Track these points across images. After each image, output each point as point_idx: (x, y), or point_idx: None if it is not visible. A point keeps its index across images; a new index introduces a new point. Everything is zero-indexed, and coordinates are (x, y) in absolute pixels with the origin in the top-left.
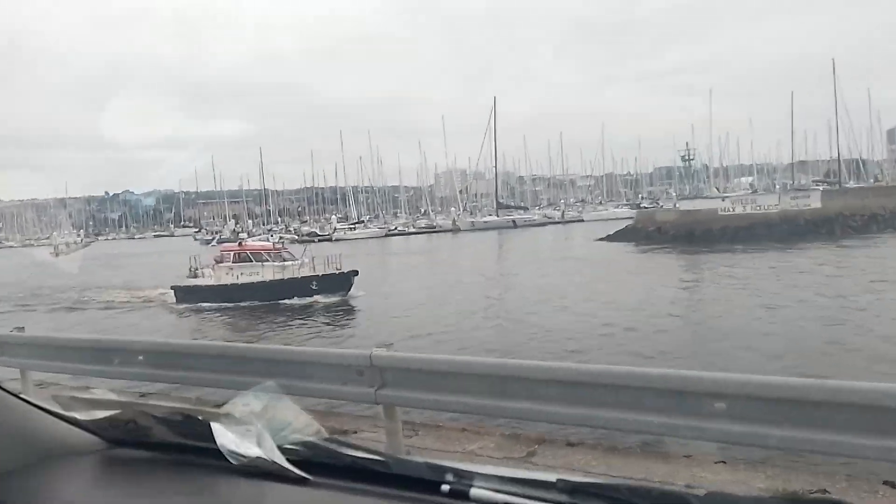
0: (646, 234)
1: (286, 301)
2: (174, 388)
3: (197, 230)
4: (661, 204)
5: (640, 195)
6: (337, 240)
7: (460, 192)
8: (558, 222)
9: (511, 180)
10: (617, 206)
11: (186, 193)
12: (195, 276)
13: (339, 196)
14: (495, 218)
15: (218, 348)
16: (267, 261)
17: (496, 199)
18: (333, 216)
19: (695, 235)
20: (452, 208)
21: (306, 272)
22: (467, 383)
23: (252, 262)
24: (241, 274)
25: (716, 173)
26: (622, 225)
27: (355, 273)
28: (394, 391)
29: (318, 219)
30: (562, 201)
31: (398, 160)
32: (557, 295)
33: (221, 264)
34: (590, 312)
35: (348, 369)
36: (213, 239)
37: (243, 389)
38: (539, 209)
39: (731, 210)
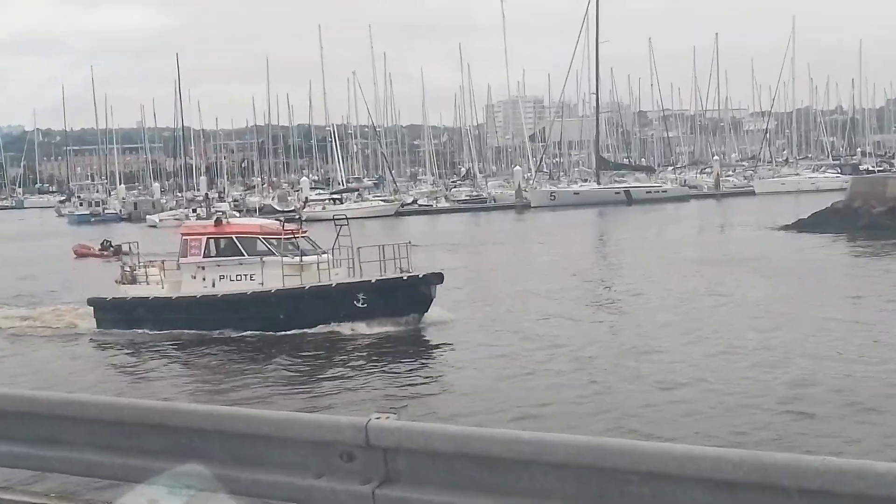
0: (869, 219)
1: (307, 329)
2: (20, 474)
3: (63, 198)
4: None
5: (858, 149)
6: (310, 220)
7: (531, 138)
8: (708, 195)
9: (624, 119)
10: (816, 169)
11: (46, 135)
12: (132, 281)
13: (314, 142)
14: (594, 186)
15: (100, 406)
16: (270, 254)
17: (596, 153)
18: (305, 177)
19: None
20: (517, 168)
21: (343, 276)
22: (544, 479)
23: (242, 255)
24: (221, 278)
25: None
26: (825, 201)
27: (438, 279)
28: (409, 491)
29: (276, 182)
30: (714, 158)
31: (421, 78)
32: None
33: (185, 260)
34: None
35: (328, 449)
36: (94, 214)
37: (145, 478)
38: (674, 171)
39: None
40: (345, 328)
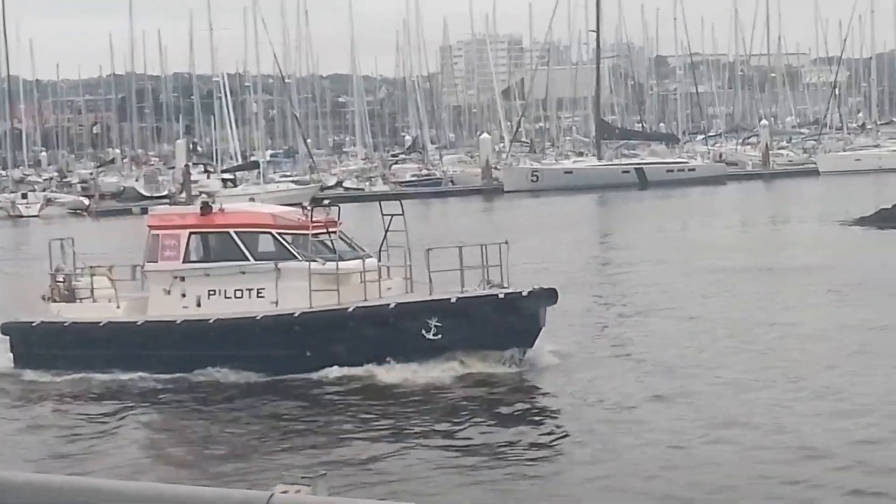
0: None
1: (346, 372)
2: None
3: None
4: None
5: None
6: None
7: (505, 94)
8: (754, 175)
9: (636, 68)
10: None
11: None
12: (68, 298)
13: (196, 99)
14: (593, 163)
15: None
16: (289, 257)
17: (596, 116)
18: (182, 140)
19: None
20: (485, 136)
21: (397, 290)
22: None
23: (245, 258)
24: (211, 294)
25: None
26: None
27: (551, 298)
28: None
29: (142, 155)
30: (762, 124)
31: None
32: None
33: (155, 266)
34: None
35: None
36: None
37: None
38: (706, 141)
39: None
40: (405, 371)
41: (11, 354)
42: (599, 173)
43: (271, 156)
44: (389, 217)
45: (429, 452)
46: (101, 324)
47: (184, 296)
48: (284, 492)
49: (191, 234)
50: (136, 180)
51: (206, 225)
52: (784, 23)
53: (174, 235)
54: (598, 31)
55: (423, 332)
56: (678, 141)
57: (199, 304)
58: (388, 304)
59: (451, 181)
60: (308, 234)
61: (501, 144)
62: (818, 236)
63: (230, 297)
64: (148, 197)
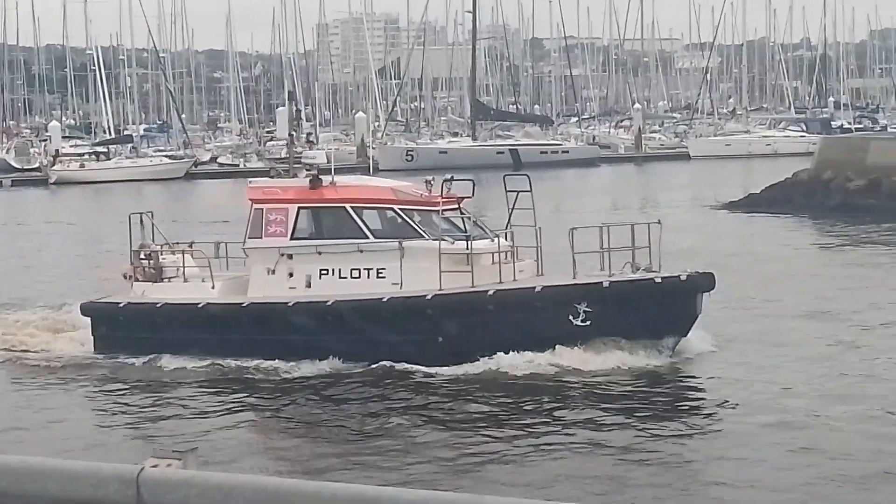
0: (843, 196)
1: (485, 361)
2: None
3: None
4: (880, 122)
5: (830, 98)
6: (59, 182)
7: (381, 73)
8: (626, 158)
9: (511, 50)
10: (773, 125)
11: None
12: (154, 278)
13: (70, 72)
14: (468, 143)
15: None
16: (414, 236)
17: (471, 97)
18: (56, 122)
19: None
20: (360, 115)
21: (529, 273)
22: None
23: (364, 236)
24: (323, 273)
25: None
26: (785, 170)
27: (709, 283)
28: None
29: (13, 127)
30: (635, 108)
31: None
32: None
33: (258, 243)
34: None
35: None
36: None
37: None
38: (579, 124)
39: None
40: (548, 360)
41: (93, 338)
42: (474, 154)
43: (145, 130)
44: (515, 194)
45: (571, 452)
46: (200, 305)
47: (291, 275)
48: (155, 465)
49: (300, 208)
50: (7, 152)
51: (317, 199)
52: (658, 8)
53: (281, 210)
54: (474, 12)
55: (571, 317)
56: (552, 123)
57: (308, 285)
58: (534, 288)
59: (326, 158)
60: (435, 211)
61: (377, 123)
62: (686, 220)
63: (345, 278)
64: (18, 169)
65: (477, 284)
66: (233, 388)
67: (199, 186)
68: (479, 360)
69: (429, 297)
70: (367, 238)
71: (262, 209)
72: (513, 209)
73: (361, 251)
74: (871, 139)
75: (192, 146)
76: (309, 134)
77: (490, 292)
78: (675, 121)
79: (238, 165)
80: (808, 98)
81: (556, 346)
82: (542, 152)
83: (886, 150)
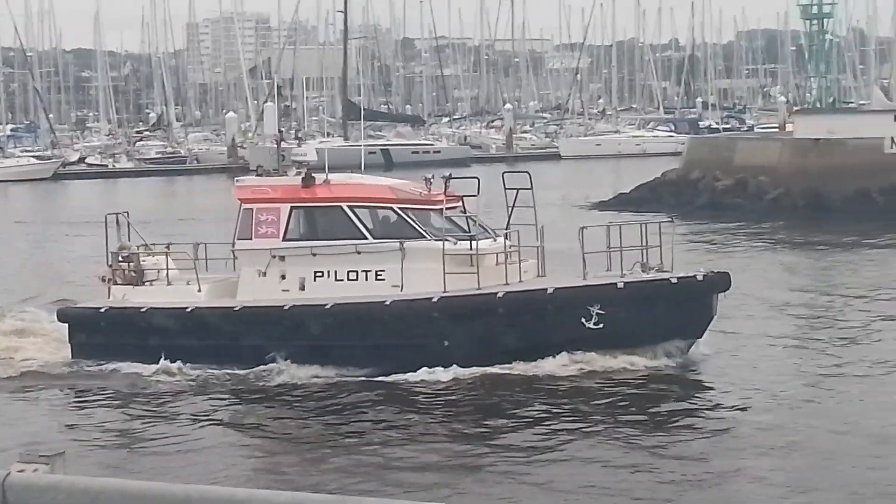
0: (711, 195)
1: (494, 367)
2: None
3: None
4: (747, 122)
5: (698, 98)
6: None
7: (252, 73)
8: (497, 158)
9: (382, 50)
10: (642, 125)
11: None
12: (134, 279)
13: None
14: (339, 143)
15: None
16: (416, 236)
17: (343, 97)
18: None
19: (825, 203)
20: (231, 115)
21: (532, 274)
22: None
23: (362, 236)
24: (318, 276)
25: (881, 57)
26: (654, 169)
27: (725, 283)
28: None
29: None
30: (506, 108)
31: None
32: None
33: (248, 244)
34: None
35: None
36: None
37: None
38: (451, 124)
39: None
40: (557, 364)
41: (70, 345)
42: (345, 154)
43: (12, 130)
44: (515, 191)
45: (580, 465)
46: (189, 309)
47: (283, 277)
48: (21, 470)
49: (293, 207)
50: None
51: (311, 198)
52: (528, 8)
53: (272, 209)
54: (345, 12)
55: (584, 320)
56: (423, 123)
57: (302, 288)
58: (546, 290)
59: (197, 159)
60: (438, 210)
61: (248, 123)
62: (557, 219)
63: (341, 280)
64: None
65: (483, 286)
66: (216, 396)
67: (68, 187)
68: (487, 365)
69: (434, 299)
70: (366, 238)
71: (252, 209)
72: (513, 208)
73: (359, 252)
74: (738, 139)
75: (60, 146)
76: (297, 130)
77: (500, 295)
78: (545, 121)
79: (107, 166)
80: (676, 98)
81: (566, 350)
82: (413, 152)
83: (753, 150)
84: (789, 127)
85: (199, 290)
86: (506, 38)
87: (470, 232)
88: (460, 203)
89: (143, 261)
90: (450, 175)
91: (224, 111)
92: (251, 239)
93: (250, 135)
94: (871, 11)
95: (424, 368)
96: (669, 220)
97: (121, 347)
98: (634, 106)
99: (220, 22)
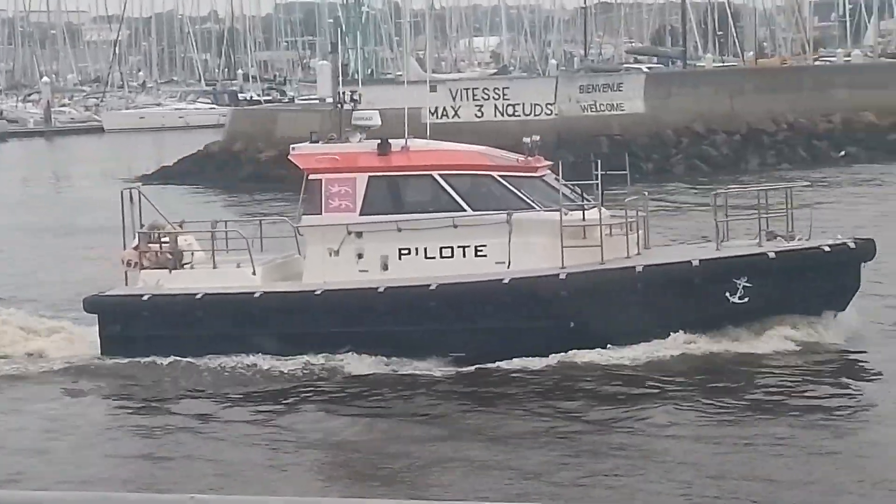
0: (255, 165)
1: (629, 349)
2: None
3: None
4: (288, 94)
5: (239, 71)
6: None
7: None
8: (36, 132)
9: None
10: (183, 98)
11: None
12: (170, 263)
13: None
14: None
15: None
16: (525, 206)
17: None
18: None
19: None
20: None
21: (637, 245)
22: None
23: (459, 208)
24: (404, 253)
25: (416, 29)
26: (198, 141)
27: (872, 250)
28: None
29: None
30: (44, 81)
31: None
32: None
33: (316, 219)
34: None
35: None
36: None
37: None
38: None
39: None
40: (699, 345)
41: (100, 338)
42: None
43: None
44: (592, 160)
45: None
46: (256, 294)
47: (360, 257)
48: None
49: (371, 177)
50: None
51: (394, 167)
52: None
53: (347, 180)
54: None
55: (729, 294)
56: None
57: (385, 268)
58: (691, 262)
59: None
60: (538, 177)
61: None
62: (100, 195)
63: (433, 258)
64: None
65: (606, 260)
66: (295, 392)
67: None
68: (623, 346)
69: (562, 276)
70: (464, 210)
71: (321, 180)
72: (600, 172)
73: (456, 226)
74: (280, 111)
75: None
76: (353, 91)
77: (639, 269)
78: (85, 94)
79: None
80: (217, 71)
81: (708, 328)
82: None
83: (294, 121)
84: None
85: (255, 273)
86: (41, 10)
87: (578, 200)
88: (539, 164)
89: (182, 243)
90: (531, 143)
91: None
92: (321, 213)
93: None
94: None
95: (544, 354)
96: (808, 185)
97: (167, 340)
98: (175, 78)
99: None
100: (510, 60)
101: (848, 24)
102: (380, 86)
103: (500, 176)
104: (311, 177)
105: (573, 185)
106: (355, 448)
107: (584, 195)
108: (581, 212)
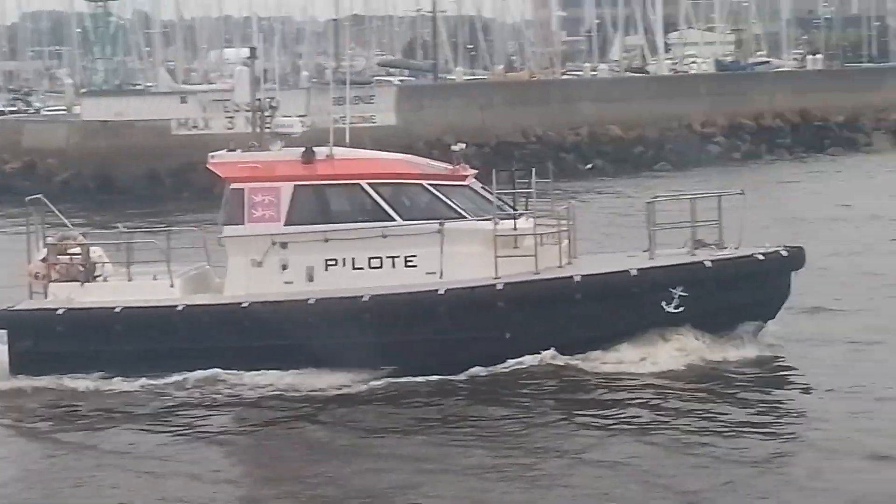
0: (1, 176)
1: (571, 358)
2: None
3: None
4: (34, 105)
5: None
6: None
7: None
8: None
9: None
10: None
11: None
12: (81, 275)
13: None
14: None
15: None
16: (455, 216)
17: None
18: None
19: (116, 184)
20: None
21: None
22: None
23: (389, 217)
24: (330, 264)
25: (167, 40)
26: None
27: (802, 259)
28: None
29: None
30: None
31: None
32: None
33: (240, 230)
34: None
35: None
36: None
37: None
38: None
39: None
40: (629, 354)
41: (9, 354)
42: None
43: None
44: (527, 171)
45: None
46: (179, 308)
47: (285, 268)
48: None
49: (297, 186)
50: None
51: (320, 175)
52: None
53: (271, 189)
54: None
55: (664, 304)
56: None
57: (310, 279)
58: (628, 272)
59: None
60: (465, 186)
61: None
62: None
63: (361, 269)
64: None
65: (540, 269)
66: (219, 409)
67: None
68: (560, 356)
69: (499, 287)
70: (395, 220)
71: (243, 189)
72: (532, 182)
73: (385, 237)
74: (26, 122)
75: None
76: (271, 98)
77: (577, 279)
78: None
79: None
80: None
81: (639, 338)
82: None
83: (41, 132)
84: (77, 109)
85: (173, 286)
86: None
87: (505, 209)
88: (462, 171)
89: (94, 256)
90: (464, 146)
91: None
92: (243, 224)
93: None
94: None
95: (480, 365)
96: (740, 192)
97: (83, 357)
98: None
99: None
100: (262, 72)
101: (595, 39)
102: (129, 97)
103: (429, 185)
104: (234, 186)
105: (505, 193)
106: (282, 468)
107: (508, 203)
108: (513, 221)
